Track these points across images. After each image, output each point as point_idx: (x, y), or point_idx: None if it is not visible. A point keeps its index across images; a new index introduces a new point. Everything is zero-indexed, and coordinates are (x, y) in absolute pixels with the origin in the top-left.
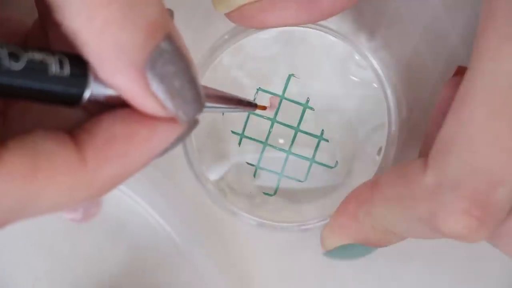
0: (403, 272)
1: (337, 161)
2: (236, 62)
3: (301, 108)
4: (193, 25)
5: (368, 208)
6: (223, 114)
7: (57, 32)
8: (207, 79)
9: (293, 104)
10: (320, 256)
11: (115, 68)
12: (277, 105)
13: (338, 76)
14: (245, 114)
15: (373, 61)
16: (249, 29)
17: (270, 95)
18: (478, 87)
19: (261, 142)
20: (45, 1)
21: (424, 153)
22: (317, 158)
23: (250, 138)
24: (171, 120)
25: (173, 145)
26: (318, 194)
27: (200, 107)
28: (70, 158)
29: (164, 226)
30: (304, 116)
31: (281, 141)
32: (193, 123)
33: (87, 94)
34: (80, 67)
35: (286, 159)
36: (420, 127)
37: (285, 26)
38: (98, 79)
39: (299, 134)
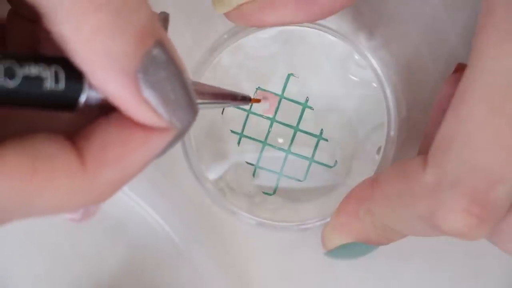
0: (403, 271)
1: (336, 161)
2: (235, 62)
3: (300, 107)
4: (193, 25)
5: (368, 206)
6: (222, 113)
7: (47, 36)
8: (207, 78)
9: (292, 103)
10: (320, 255)
11: (106, 76)
12: (269, 98)
13: (338, 76)
14: (245, 113)
15: (373, 61)
16: (248, 29)
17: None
18: (477, 85)
19: (260, 141)
20: (35, 8)
21: (424, 151)
22: (316, 158)
23: (250, 138)
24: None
25: (170, 146)
26: (317, 193)
27: (193, 113)
28: (70, 161)
29: (163, 226)
30: (304, 116)
31: (280, 140)
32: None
33: (81, 101)
34: (76, 76)
35: (285, 159)
36: (419, 127)
37: (284, 25)
38: (91, 87)
39: (298, 133)
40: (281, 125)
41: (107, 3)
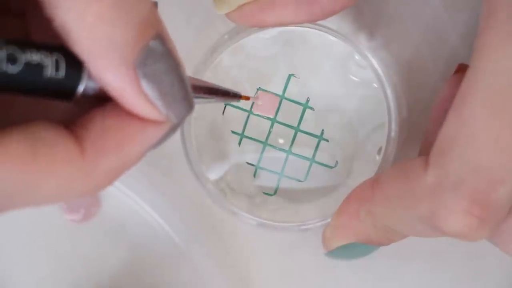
0: (403, 271)
1: (337, 161)
2: (236, 62)
3: (301, 108)
4: (194, 25)
5: (369, 207)
6: (223, 113)
7: (42, 26)
8: (208, 79)
9: (293, 104)
10: (321, 256)
11: (105, 65)
12: (261, 96)
13: (338, 76)
14: (245, 114)
15: (373, 61)
16: (249, 29)
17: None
18: (479, 86)
19: (261, 142)
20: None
21: (425, 151)
22: (317, 158)
23: (250, 138)
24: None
25: (166, 137)
26: (318, 194)
27: (190, 107)
28: (70, 147)
29: (163, 226)
30: (304, 116)
31: (281, 141)
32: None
33: (80, 90)
34: (75, 65)
35: (286, 159)
36: (420, 127)
37: (285, 25)
38: (90, 77)
39: (299, 134)
40: (281, 126)
41: None
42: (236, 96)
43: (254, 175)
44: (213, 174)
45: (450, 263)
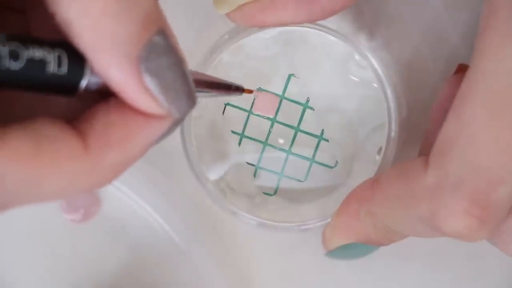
0: (403, 272)
1: (337, 161)
2: (236, 62)
3: (301, 108)
4: (194, 25)
5: (369, 207)
6: (223, 113)
7: (42, 21)
8: None
9: (293, 104)
10: (320, 256)
11: (109, 60)
12: (259, 94)
13: (338, 76)
14: (245, 114)
15: (373, 61)
16: (249, 29)
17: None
18: (479, 86)
19: (261, 142)
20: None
21: (425, 152)
22: (317, 158)
23: (250, 138)
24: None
25: (168, 132)
26: (318, 194)
27: (192, 102)
28: (73, 143)
29: (164, 226)
30: (304, 116)
31: (281, 141)
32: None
33: (82, 86)
34: (78, 61)
35: (286, 159)
36: (420, 127)
37: (285, 25)
38: (93, 72)
39: (299, 134)
40: (281, 126)
41: None
42: (239, 89)
43: (254, 175)
44: (213, 174)
45: (450, 263)
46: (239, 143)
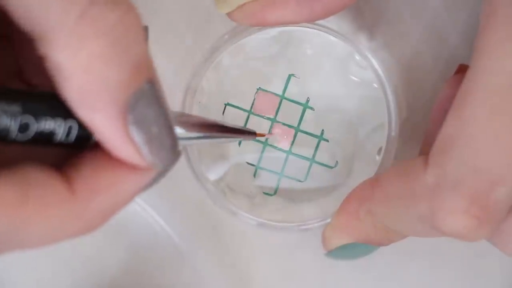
0: (403, 272)
1: (337, 161)
2: (236, 62)
3: (301, 108)
4: (194, 25)
5: (369, 207)
6: (223, 113)
7: (31, 62)
8: (208, 79)
9: (293, 104)
10: (320, 256)
11: (95, 106)
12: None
13: (338, 76)
14: (245, 114)
15: (373, 61)
16: (249, 29)
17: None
18: (479, 86)
19: (261, 142)
20: (25, 33)
21: (425, 151)
22: (317, 158)
23: None
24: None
25: (156, 180)
26: (318, 194)
27: (176, 155)
28: (60, 189)
29: (164, 226)
30: (304, 116)
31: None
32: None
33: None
34: (86, 132)
35: (286, 159)
36: (420, 127)
37: (286, 23)
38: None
39: (299, 134)
40: (282, 126)
41: (110, 31)
42: (251, 134)
43: (254, 175)
44: (213, 174)
45: (450, 263)
46: (239, 143)
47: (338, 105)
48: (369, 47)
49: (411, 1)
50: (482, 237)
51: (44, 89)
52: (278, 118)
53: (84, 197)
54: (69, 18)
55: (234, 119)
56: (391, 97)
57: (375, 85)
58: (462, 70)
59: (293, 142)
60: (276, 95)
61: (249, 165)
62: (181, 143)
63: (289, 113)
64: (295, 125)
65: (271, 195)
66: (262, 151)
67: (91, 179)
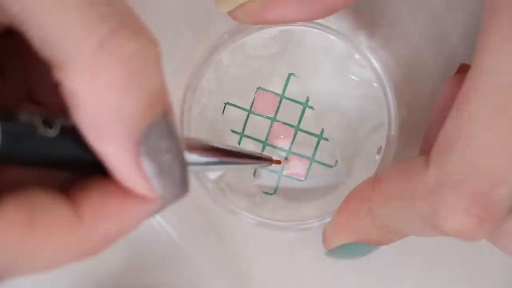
0: (403, 271)
1: (337, 160)
2: (236, 62)
3: (301, 107)
4: (194, 25)
5: (369, 206)
6: (223, 113)
7: (43, 83)
8: (207, 78)
9: (293, 103)
10: (321, 255)
11: (108, 135)
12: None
13: (338, 75)
14: (245, 113)
15: (373, 60)
16: (249, 29)
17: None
18: (481, 86)
19: (261, 141)
20: (40, 59)
21: (425, 150)
22: (317, 157)
23: (250, 137)
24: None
25: (161, 209)
26: (318, 193)
27: (185, 189)
28: (67, 213)
29: (163, 226)
30: (304, 115)
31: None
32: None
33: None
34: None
35: (286, 159)
36: (420, 127)
37: (287, 22)
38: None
39: (299, 133)
40: (281, 124)
41: (128, 62)
42: (267, 160)
43: (254, 175)
44: (213, 174)
45: (450, 263)
46: (239, 143)
47: (338, 104)
48: (369, 46)
49: (411, 1)
50: (483, 237)
51: (52, 109)
52: (277, 117)
53: (91, 223)
54: (88, 47)
55: (234, 118)
56: (391, 96)
57: (375, 84)
58: (463, 69)
59: (292, 141)
60: (276, 94)
61: None
62: (193, 169)
63: (289, 112)
64: (295, 124)
65: (271, 194)
66: (262, 151)
67: (99, 205)
